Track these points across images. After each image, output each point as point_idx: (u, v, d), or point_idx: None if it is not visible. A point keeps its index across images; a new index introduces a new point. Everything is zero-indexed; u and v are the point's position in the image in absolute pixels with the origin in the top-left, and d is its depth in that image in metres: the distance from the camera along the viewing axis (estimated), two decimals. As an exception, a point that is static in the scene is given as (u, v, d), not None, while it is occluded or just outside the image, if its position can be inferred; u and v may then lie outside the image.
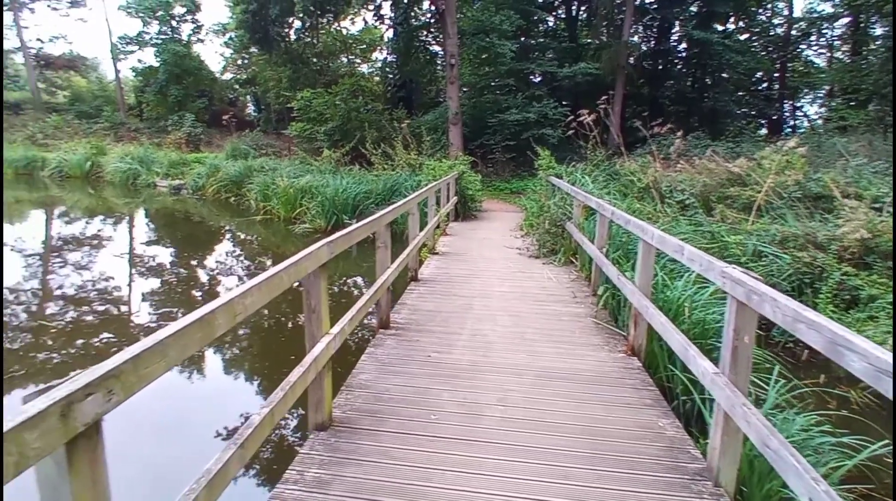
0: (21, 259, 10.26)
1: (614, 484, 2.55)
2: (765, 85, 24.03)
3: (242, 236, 12.66)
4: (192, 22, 30.83)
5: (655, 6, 21.59)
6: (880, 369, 1.51)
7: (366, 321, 5.68)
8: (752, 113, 22.77)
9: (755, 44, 22.54)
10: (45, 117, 27.90)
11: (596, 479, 2.59)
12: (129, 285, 8.73)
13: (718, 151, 10.62)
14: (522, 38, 20.86)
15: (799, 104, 23.96)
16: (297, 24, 24.73)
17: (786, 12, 22.97)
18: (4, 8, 30.52)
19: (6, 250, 10.75)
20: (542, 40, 22.41)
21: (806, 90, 23.13)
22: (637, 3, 20.49)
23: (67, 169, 21.65)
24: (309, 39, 26.21)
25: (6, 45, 32.90)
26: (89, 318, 6.95)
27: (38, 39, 33.19)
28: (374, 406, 3.24)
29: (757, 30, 23.00)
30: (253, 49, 26.85)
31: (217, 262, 10.61)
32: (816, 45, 23.33)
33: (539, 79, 21.38)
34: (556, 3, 23.85)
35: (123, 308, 7.47)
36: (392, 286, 4.64)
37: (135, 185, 19.69)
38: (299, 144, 20.21)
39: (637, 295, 3.91)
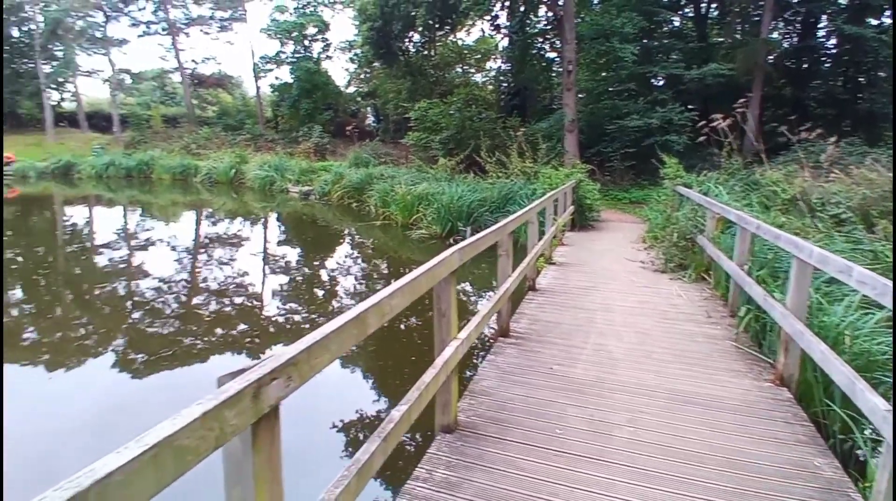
0: (175, 254, 11.89)
1: (769, 529, 2.29)
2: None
3: (362, 240, 13.47)
4: (322, 41, 33.64)
5: None
6: None
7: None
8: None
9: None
10: (197, 130, 31.83)
11: (746, 520, 2.34)
12: (263, 281, 9.68)
13: (880, 160, 9.20)
14: (645, 41, 19.79)
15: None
16: (416, 37, 25.90)
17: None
18: (164, 32, 35.52)
19: (163, 246, 12.52)
20: (666, 41, 21.04)
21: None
22: (778, -4, 18.48)
23: (215, 175, 24.55)
24: (426, 52, 27.31)
25: (166, 66, 38.46)
26: (227, 309, 7.82)
27: (193, 61, 38.19)
28: (498, 414, 3.24)
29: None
30: (375, 63, 28.58)
31: (338, 263, 11.39)
32: None
33: (662, 82, 20.14)
34: (683, 1, 22.32)
35: (256, 302, 8.29)
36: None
37: (271, 190, 21.83)
38: (415, 153, 21.05)
39: (789, 319, 3.49)
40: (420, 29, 24.18)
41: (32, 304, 8.15)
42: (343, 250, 12.96)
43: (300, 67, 31.11)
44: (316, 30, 33.04)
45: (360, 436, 4.41)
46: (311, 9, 33.14)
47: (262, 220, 17.50)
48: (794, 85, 20.31)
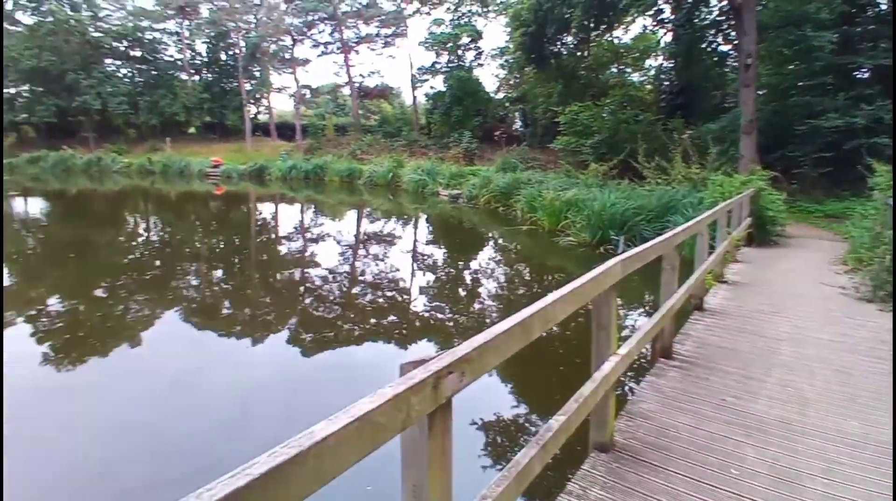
0: (339, 248, 13.19)
1: None
2: None
3: (506, 244, 13.53)
4: (475, 49, 34.74)
5: None
6: None
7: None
8: None
9: None
10: (361, 137, 35.23)
11: None
12: (411, 278, 10.25)
13: None
14: (845, 27, 16.75)
15: None
16: (569, 39, 25.30)
17: None
18: (338, 51, 39.50)
19: (330, 240, 13.98)
20: (872, 27, 17.57)
21: None
22: None
23: (376, 178, 26.81)
24: (580, 53, 26.54)
25: (338, 80, 42.85)
26: (380, 300, 8.44)
27: (360, 75, 41.82)
28: (659, 441, 2.97)
29: None
30: (526, 69, 28.60)
31: (481, 266, 11.57)
32: None
33: (867, 74, 16.84)
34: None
35: (405, 296, 8.80)
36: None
37: (423, 193, 23.12)
38: (564, 158, 20.56)
39: None
40: (574, 31, 23.57)
41: (230, 284, 9.69)
42: (487, 253, 13.16)
43: (453, 76, 32.53)
44: (469, 39, 34.24)
45: (499, 439, 4.39)
46: (466, 19, 34.41)
47: (414, 220, 18.59)
48: None
